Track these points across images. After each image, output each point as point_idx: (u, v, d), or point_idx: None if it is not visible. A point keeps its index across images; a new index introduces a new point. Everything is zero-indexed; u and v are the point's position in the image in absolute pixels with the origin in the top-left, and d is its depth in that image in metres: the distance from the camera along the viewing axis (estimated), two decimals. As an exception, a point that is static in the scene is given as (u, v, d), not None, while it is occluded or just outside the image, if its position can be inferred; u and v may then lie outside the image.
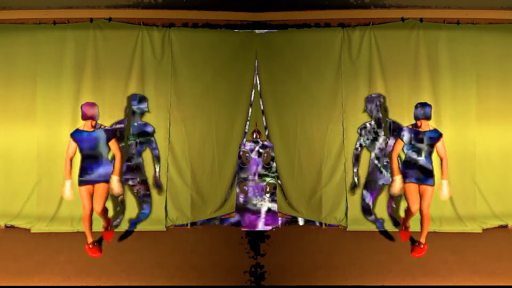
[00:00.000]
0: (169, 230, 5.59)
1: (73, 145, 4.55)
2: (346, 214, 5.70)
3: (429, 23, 5.66)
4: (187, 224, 5.73)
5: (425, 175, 4.55)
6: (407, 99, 5.66)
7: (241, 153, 5.87)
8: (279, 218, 5.89)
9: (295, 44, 5.73)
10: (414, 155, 4.57)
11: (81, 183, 4.55)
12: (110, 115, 5.64)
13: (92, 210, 4.56)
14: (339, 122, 5.74)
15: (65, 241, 5.11)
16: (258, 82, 5.83)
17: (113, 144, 4.63)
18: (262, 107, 5.84)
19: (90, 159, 4.56)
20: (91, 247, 4.64)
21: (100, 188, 4.56)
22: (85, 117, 4.50)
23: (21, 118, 5.69)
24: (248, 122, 5.87)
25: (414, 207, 4.54)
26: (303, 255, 4.80)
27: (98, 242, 4.86)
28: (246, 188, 5.87)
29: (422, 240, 4.66)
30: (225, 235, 5.46)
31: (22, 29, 5.67)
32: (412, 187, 4.57)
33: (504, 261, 4.51)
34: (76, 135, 4.55)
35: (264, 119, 5.87)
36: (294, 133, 5.82)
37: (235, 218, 5.85)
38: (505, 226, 5.54)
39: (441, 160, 4.60)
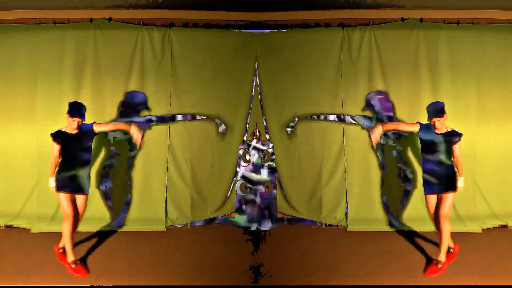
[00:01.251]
0: (169, 230, 5.59)
1: (57, 147, 4.29)
2: (346, 214, 5.70)
3: (429, 23, 5.66)
4: (187, 224, 5.73)
5: (445, 182, 4.29)
6: (407, 99, 5.67)
7: (241, 153, 5.87)
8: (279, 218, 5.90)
9: (295, 44, 5.73)
10: (432, 160, 4.32)
11: (60, 189, 4.25)
12: (110, 115, 5.64)
13: (75, 216, 4.27)
14: (339, 122, 5.73)
15: (65, 241, 5.10)
16: (258, 82, 5.83)
17: (98, 127, 4.40)
18: (262, 107, 5.84)
19: (73, 162, 4.31)
20: (73, 266, 4.23)
21: (81, 199, 4.37)
22: (74, 114, 4.25)
23: (21, 118, 5.69)
24: (248, 122, 5.87)
25: (431, 212, 4.44)
26: (303, 255, 4.80)
27: (82, 260, 4.48)
28: (246, 188, 5.87)
29: (442, 257, 4.28)
30: (225, 235, 5.45)
31: (22, 29, 5.67)
32: (432, 198, 4.39)
33: (504, 261, 4.51)
34: (59, 137, 4.29)
35: (264, 119, 5.87)
36: (294, 133, 5.82)
37: (235, 218, 5.85)
38: (505, 226, 5.54)
39: (455, 159, 4.33)
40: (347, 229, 5.58)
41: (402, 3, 5.55)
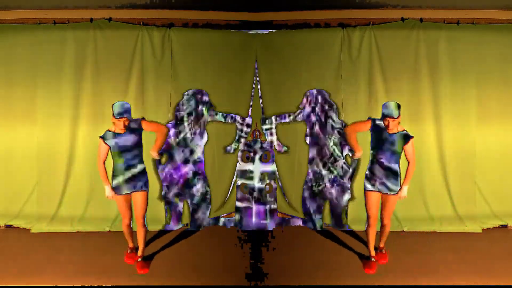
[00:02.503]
0: (169, 230, 5.59)
1: (105, 147, 4.19)
2: (346, 214, 5.70)
3: (429, 23, 5.66)
4: (187, 224, 5.73)
5: (390, 183, 4.23)
6: (407, 99, 5.67)
7: (241, 153, 5.87)
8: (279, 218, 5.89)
9: (295, 44, 5.73)
10: (380, 160, 4.22)
11: (117, 191, 4.24)
12: (110, 115, 5.58)
13: (131, 220, 4.32)
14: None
15: (65, 241, 5.11)
16: (258, 82, 5.82)
17: (148, 125, 4.33)
18: (262, 107, 5.83)
19: (126, 163, 4.21)
20: (129, 252, 4.51)
21: (142, 197, 4.27)
22: (119, 114, 4.12)
23: (21, 118, 5.70)
24: (248, 122, 5.87)
25: (373, 217, 4.32)
26: (303, 255, 4.80)
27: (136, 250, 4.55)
28: (246, 188, 5.87)
29: (382, 244, 4.54)
30: (225, 235, 5.45)
31: (22, 29, 5.67)
32: (374, 196, 4.27)
33: (504, 261, 4.51)
34: (107, 137, 4.20)
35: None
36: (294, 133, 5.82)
37: (235, 218, 5.84)
38: (505, 226, 5.54)
39: (408, 162, 4.22)
40: (347, 229, 5.58)
41: (402, 3, 5.55)
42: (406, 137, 4.20)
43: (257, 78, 5.81)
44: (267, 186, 5.88)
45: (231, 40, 5.75)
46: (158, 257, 4.70)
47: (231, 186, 5.84)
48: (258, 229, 5.77)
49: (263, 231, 5.65)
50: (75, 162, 5.68)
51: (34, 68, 5.66)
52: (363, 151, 4.43)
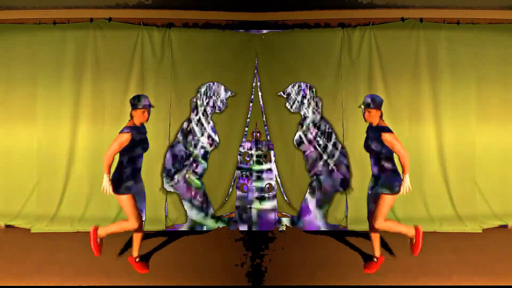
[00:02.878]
0: (169, 230, 5.58)
1: (127, 142, 3.97)
2: (346, 214, 5.70)
3: (429, 23, 5.67)
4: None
5: (377, 181, 4.13)
6: (407, 99, 5.67)
7: (241, 153, 5.87)
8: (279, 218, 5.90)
9: (295, 44, 5.74)
10: (371, 161, 4.18)
11: (128, 190, 4.10)
12: (110, 115, 5.64)
13: (142, 223, 4.23)
14: (339, 122, 5.74)
15: (65, 241, 5.11)
16: (258, 82, 5.82)
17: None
18: (262, 107, 5.84)
19: (138, 163, 4.15)
20: (136, 261, 4.36)
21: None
22: (145, 105, 4.03)
23: (21, 118, 5.71)
24: (248, 122, 5.86)
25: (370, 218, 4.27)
26: (303, 255, 4.80)
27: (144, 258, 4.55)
28: (246, 188, 5.87)
29: (377, 253, 4.38)
30: (225, 235, 5.45)
31: (22, 29, 5.68)
32: (371, 198, 4.27)
33: (504, 261, 4.51)
34: (133, 131, 4.01)
35: (264, 119, 5.86)
36: (294, 133, 5.82)
37: (235, 218, 5.85)
38: (505, 226, 5.54)
39: (398, 156, 3.99)
40: (347, 229, 5.58)
41: (402, 3, 5.56)
42: (380, 130, 4.00)
43: (257, 78, 5.81)
44: (267, 186, 5.88)
45: (231, 40, 5.75)
46: (158, 257, 4.70)
47: (231, 186, 5.85)
48: (258, 229, 5.77)
49: (263, 231, 5.65)
50: (75, 162, 5.69)
51: (34, 68, 5.67)
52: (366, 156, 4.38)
